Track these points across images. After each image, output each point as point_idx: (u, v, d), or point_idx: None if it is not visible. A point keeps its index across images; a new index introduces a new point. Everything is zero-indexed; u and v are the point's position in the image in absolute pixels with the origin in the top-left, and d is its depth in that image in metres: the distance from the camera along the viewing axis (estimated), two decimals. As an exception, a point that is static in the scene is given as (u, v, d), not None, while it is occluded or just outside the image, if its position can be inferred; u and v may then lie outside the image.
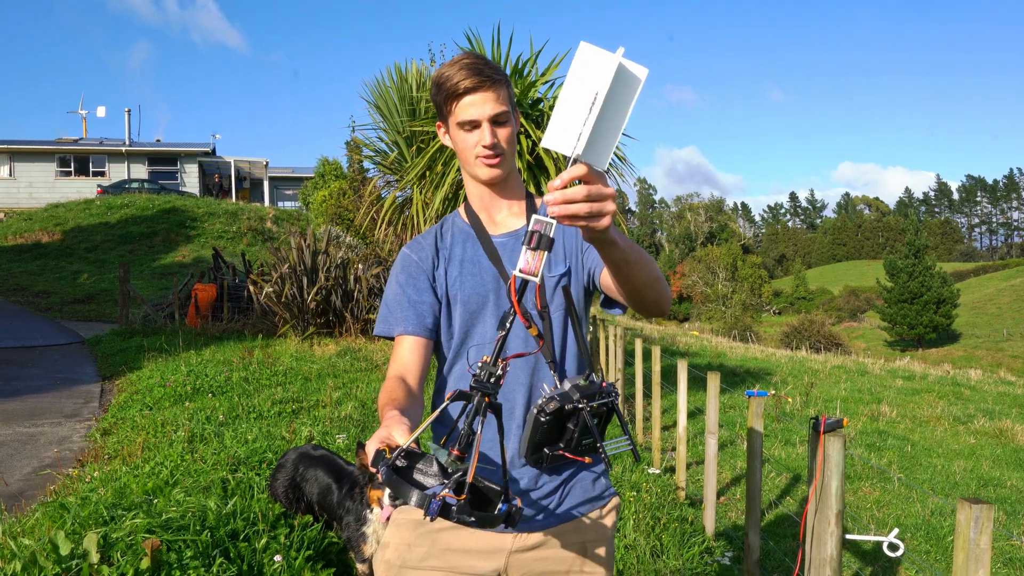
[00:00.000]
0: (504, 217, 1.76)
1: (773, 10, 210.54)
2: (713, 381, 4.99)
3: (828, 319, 47.68)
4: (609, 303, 1.69)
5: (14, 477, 5.42)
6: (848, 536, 3.00)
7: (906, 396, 12.33)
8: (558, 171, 7.39)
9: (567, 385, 1.41)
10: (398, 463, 1.22)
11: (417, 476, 1.23)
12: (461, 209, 1.81)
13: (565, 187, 1.16)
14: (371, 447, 1.28)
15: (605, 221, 1.19)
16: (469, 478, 1.18)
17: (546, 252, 1.19)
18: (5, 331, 13.22)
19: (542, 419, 1.38)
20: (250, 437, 5.34)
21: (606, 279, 1.60)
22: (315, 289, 10.99)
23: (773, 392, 10.75)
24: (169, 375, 8.25)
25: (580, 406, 1.38)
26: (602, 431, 1.48)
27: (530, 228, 1.18)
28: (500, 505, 1.23)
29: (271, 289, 11.21)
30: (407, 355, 1.65)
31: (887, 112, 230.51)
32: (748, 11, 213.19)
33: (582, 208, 1.16)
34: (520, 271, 1.19)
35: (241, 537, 3.36)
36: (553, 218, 1.17)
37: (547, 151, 7.34)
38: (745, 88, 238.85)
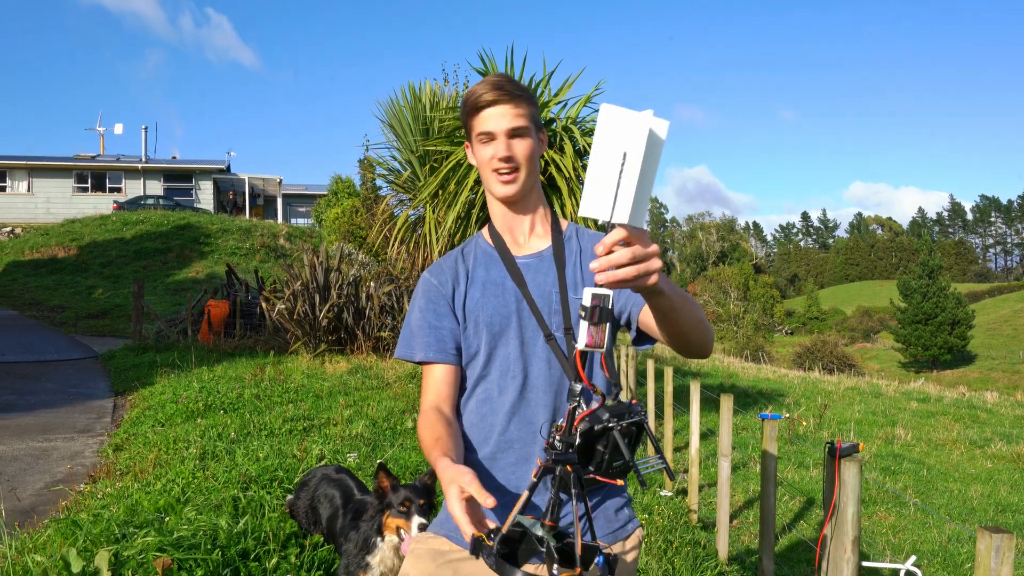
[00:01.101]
0: (528, 238, 1.75)
1: (782, 29, 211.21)
2: (726, 403, 4.95)
3: (841, 340, 47.31)
4: (640, 340, 1.66)
5: (26, 492, 5.44)
6: (865, 564, 2.96)
7: (921, 419, 12.19)
8: (571, 192, 7.43)
9: (594, 405, 1.40)
10: (500, 547, 1.25)
11: (521, 556, 1.27)
12: (485, 230, 1.81)
13: (609, 252, 1.17)
14: (453, 506, 1.29)
15: (654, 278, 1.21)
16: (578, 550, 1.22)
17: (607, 324, 1.21)
18: (20, 345, 13.33)
19: (574, 442, 1.39)
20: (261, 455, 5.34)
21: (645, 318, 1.59)
22: (327, 306, 11.02)
23: (787, 415, 10.66)
24: (181, 391, 8.27)
25: (611, 425, 1.37)
26: (632, 452, 1.47)
27: (589, 304, 1.20)
28: (597, 559, 1.26)
29: (283, 306, 11.25)
30: (439, 384, 1.67)
31: (898, 132, 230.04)
32: (757, 30, 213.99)
33: (629, 272, 1.18)
34: (586, 346, 1.21)
35: (252, 556, 3.35)
36: (600, 283, 1.18)
37: (559, 172, 7.36)
38: (755, 107, 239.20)
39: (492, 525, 1.29)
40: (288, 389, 8.56)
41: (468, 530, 1.27)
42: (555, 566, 1.19)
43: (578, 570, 1.19)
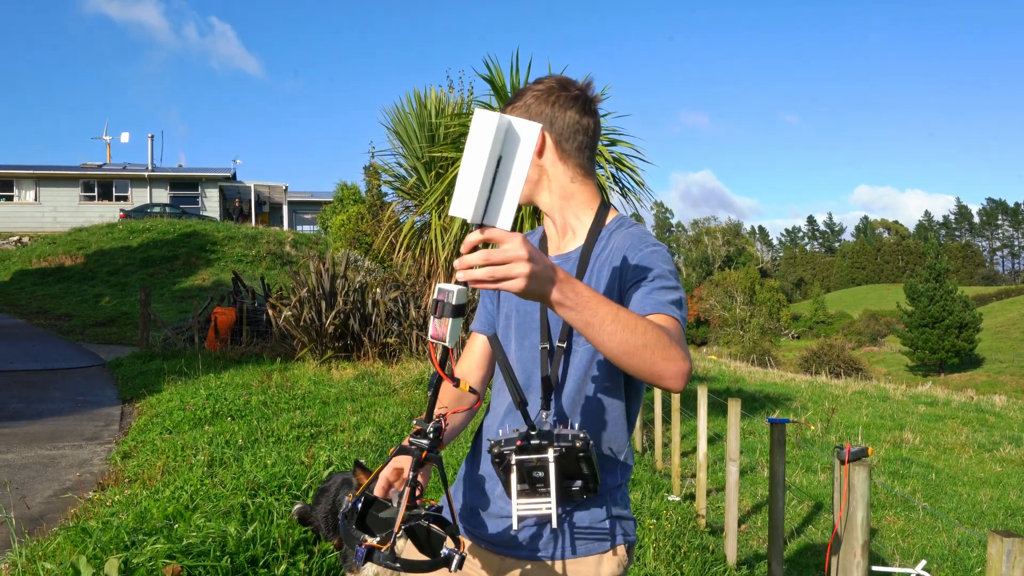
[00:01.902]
0: (565, 237, 1.71)
1: (786, 34, 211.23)
2: (734, 408, 4.94)
3: (848, 343, 47.11)
4: None
5: (35, 500, 5.46)
6: (875, 568, 2.95)
7: (929, 422, 12.14)
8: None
9: (517, 432, 1.40)
10: (356, 509, 1.37)
11: (369, 521, 1.37)
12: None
13: (471, 251, 1.19)
14: (383, 469, 1.43)
15: (516, 284, 1.18)
16: (396, 528, 1.26)
17: (451, 319, 1.21)
18: (28, 353, 13.39)
19: (495, 461, 1.43)
20: (269, 462, 5.35)
21: None
22: (333, 313, 11.05)
23: (794, 419, 10.62)
24: (189, 398, 8.30)
25: (511, 462, 1.38)
26: (569, 478, 1.45)
27: (434, 297, 1.23)
28: (444, 550, 1.30)
29: (290, 313, 11.28)
30: (474, 353, 1.79)
31: (902, 135, 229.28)
32: (761, 35, 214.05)
33: (482, 273, 1.18)
34: (431, 337, 1.24)
35: (261, 563, 3.36)
36: (461, 283, 1.20)
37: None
38: (759, 111, 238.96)
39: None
40: (295, 396, 8.58)
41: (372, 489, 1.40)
42: (371, 540, 1.27)
43: (387, 545, 1.25)
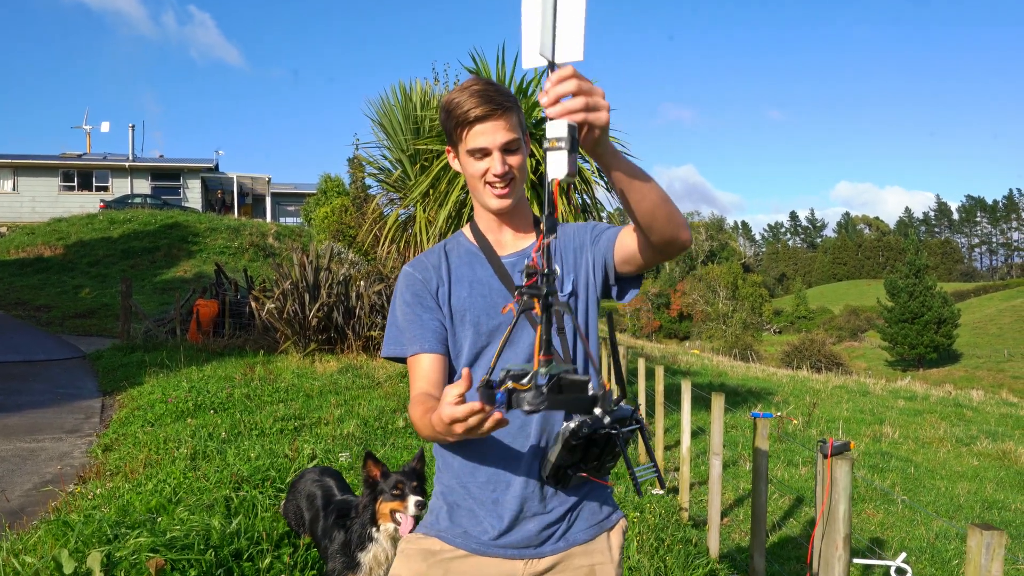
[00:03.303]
0: (510, 239, 1.75)
1: (770, 30, 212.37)
2: (717, 402, 4.98)
3: (829, 338, 47.56)
4: (623, 288, 1.68)
5: (15, 493, 5.40)
6: (856, 560, 2.99)
7: (908, 417, 12.30)
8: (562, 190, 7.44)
9: (597, 410, 1.42)
10: (517, 384, 1.19)
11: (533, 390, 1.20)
12: (467, 229, 1.79)
13: (557, 86, 1.19)
14: (444, 408, 1.24)
15: (604, 115, 1.21)
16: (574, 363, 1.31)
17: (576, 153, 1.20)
18: (7, 345, 13.21)
19: (573, 442, 1.40)
20: (253, 455, 5.32)
21: (621, 248, 1.62)
22: (317, 306, 10.99)
23: (776, 413, 10.72)
24: (171, 391, 8.23)
25: (614, 432, 1.41)
26: (626, 457, 1.50)
27: (564, 134, 1.17)
28: (591, 383, 1.24)
29: (273, 305, 11.21)
30: (428, 372, 1.65)
31: (883, 132, 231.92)
32: (745, 30, 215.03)
33: (577, 102, 1.19)
34: (568, 174, 1.17)
35: (245, 556, 3.35)
36: (553, 117, 1.18)
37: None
38: (742, 107, 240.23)
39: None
40: (278, 389, 8.53)
41: (462, 410, 1.20)
42: (591, 385, 1.21)
43: (609, 386, 1.23)
